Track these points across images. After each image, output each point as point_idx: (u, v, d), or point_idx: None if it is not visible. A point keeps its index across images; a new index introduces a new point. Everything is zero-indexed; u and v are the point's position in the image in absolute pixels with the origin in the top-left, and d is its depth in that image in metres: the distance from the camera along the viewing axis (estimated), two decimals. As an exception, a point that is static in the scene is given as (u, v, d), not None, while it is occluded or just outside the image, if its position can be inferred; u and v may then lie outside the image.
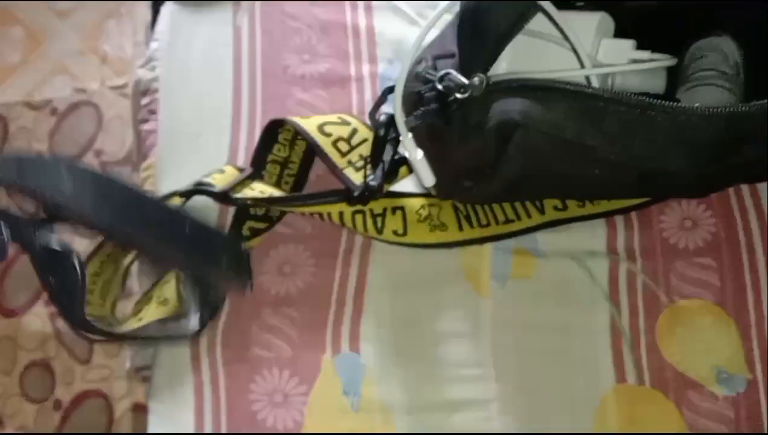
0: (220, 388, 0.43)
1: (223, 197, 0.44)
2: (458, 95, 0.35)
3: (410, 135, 0.36)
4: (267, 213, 0.47)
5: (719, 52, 0.41)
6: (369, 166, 0.43)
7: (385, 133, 0.39)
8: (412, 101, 0.38)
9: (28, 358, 1.01)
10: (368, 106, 0.50)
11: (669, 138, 0.33)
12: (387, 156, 0.40)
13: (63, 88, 1.17)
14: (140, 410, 0.92)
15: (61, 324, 1.02)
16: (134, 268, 0.49)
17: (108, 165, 1.11)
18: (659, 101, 0.32)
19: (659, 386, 0.43)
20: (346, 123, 0.45)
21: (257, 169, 0.47)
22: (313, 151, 0.48)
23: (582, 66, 0.37)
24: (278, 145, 0.48)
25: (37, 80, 1.18)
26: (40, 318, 1.02)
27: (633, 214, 0.46)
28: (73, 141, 1.13)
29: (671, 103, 0.32)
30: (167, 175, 0.49)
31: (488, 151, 0.36)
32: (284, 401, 0.42)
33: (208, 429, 0.42)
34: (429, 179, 0.37)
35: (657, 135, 0.33)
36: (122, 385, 1.03)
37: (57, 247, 0.33)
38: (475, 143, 0.36)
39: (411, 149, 0.37)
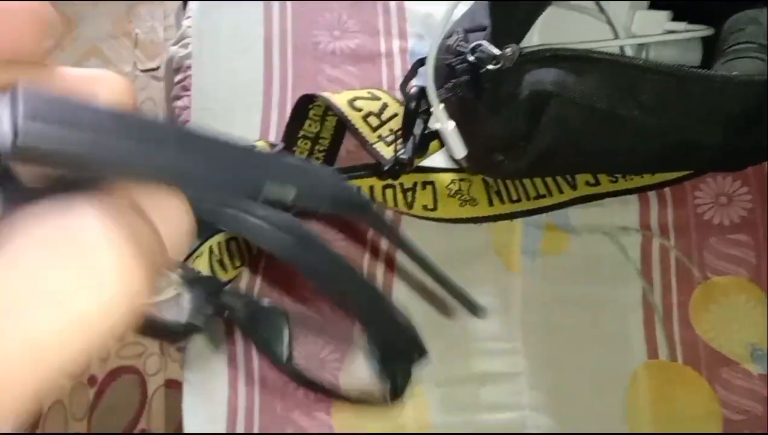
0: (253, 358, 0.44)
1: (255, 172, 0.44)
2: (490, 66, 0.35)
3: (442, 106, 0.36)
4: (298, 188, 0.47)
5: (758, 25, 0.40)
6: (399, 141, 0.43)
7: (416, 106, 0.38)
8: (443, 74, 0.38)
9: None
10: (398, 82, 0.49)
11: (705, 108, 0.32)
12: (417, 130, 0.40)
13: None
14: (173, 386, 0.94)
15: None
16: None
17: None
18: (696, 69, 0.32)
19: (692, 363, 0.42)
20: (376, 98, 0.46)
21: (288, 144, 0.48)
22: (343, 126, 0.48)
23: (616, 36, 0.37)
24: (309, 121, 0.48)
25: (70, 63, 1.20)
26: None
27: (667, 189, 0.45)
28: (106, 123, 1.16)
29: (707, 71, 0.32)
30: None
31: (520, 123, 0.36)
32: (319, 368, 0.43)
33: (241, 399, 0.43)
34: (460, 151, 0.37)
35: (693, 105, 0.32)
36: (155, 361, 1.06)
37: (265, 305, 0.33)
38: (506, 115, 0.36)
39: (442, 120, 0.36)
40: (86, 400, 1.00)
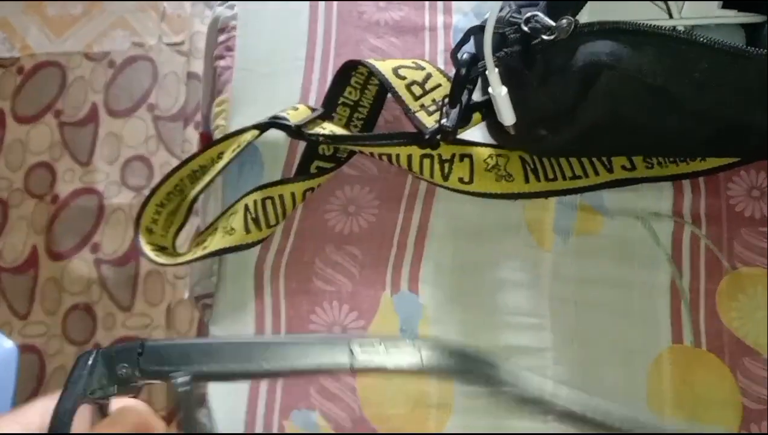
0: (281, 317, 0.44)
1: (297, 132, 0.45)
2: (544, 37, 0.35)
3: (497, 70, 0.37)
4: (335, 153, 0.48)
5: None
6: (441, 111, 0.43)
7: (466, 73, 0.39)
8: (495, 43, 0.38)
9: (72, 301, 1.04)
10: (440, 57, 0.50)
11: (757, 87, 0.33)
12: (463, 99, 0.41)
13: (122, 41, 1.19)
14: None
15: (105, 269, 1.05)
16: (200, 199, 0.51)
17: (160, 120, 1.14)
18: (753, 48, 0.32)
19: (715, 350, 0.43)
20: (420, 68, 0.46)
21: (328, 110, 0.48)
22: (383, 96, 0.49)
23: (670, 17, 0.37)
24: (350, 88, 0.49)
25: (97, 32, 1.20)
26: (86, 263, 1.05)
27: (701, 179, 0.46)
28: (128, 94, 1.16)
29: (762, 50, 0.32)
30: (239, 111, 0.50)
31: (568, 95, 0.36)
32: (343, 333, 0.43)
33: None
34: (510, 117, 0.38)
35: (746, 83, 0.33)
36: (160, 334, 1.06)
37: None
38: (555, 88, 0.37)
39: (495, 85, 0.37)
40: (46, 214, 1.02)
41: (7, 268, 1.05)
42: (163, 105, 1.14)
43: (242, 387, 0.42)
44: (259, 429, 0.42)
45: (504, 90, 0.37)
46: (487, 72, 0.37)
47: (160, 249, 0.49)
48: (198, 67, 1.17)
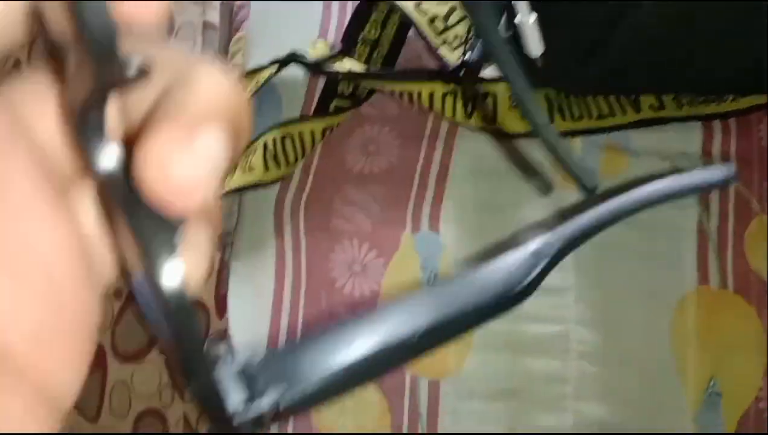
0: (301, 254, 0.44)
1: (317, 69, 0.44)
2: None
3: (525, -5, 0.36)
4: (354, 92, 0.47)
5: None
6: (465, 47, 0.42)
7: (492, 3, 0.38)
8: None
9: (143, 406, 0.89)
10: (464, -7, 0.48)
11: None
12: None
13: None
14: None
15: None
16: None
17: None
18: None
19: (741, 292, 0.42)
20: (443, 2, 0.45)
21: (347, 48, 0.47)
22: (404, 33, 0.48)
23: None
24: (369, 25, 0.48)
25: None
26: (155, 365, 0.89)
27: (731, 120, 0.44)
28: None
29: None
30: (257, 49, 0.49)
31: (599, 14, 0.35)
32: (362, 271, 0.43)
33: (287, 292, 0.44)
34: (538, 47, 0.36)
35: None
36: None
37: None
38: (585, 12, 0.35)
39: (524, 12, 0.36)
40: (110, 312, 0.99)
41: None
42: (179, 56, 1.13)
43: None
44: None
45: (533, 17, 0.36)
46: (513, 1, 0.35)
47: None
48: (214, 17, 1.15)
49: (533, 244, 0.17)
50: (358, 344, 0.15)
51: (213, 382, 0.13)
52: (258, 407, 0.14)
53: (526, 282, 0.16)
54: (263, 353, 0.14)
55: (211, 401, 0.13)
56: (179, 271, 0.12)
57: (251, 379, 0.14)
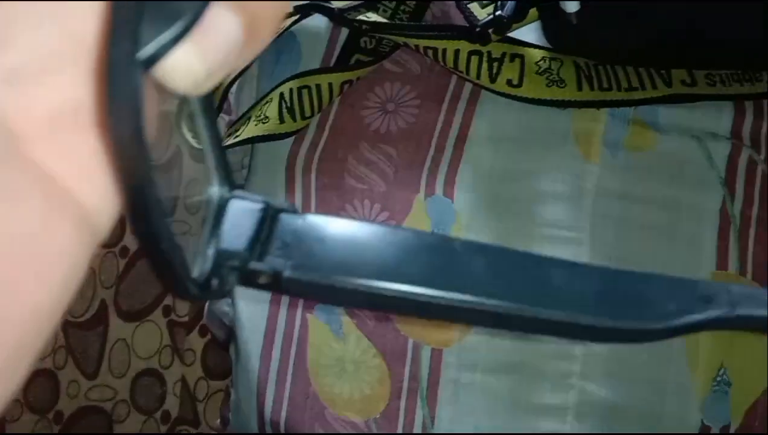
0: (311, 211, 0.43)
1: (340, 18, 0.42)
2: None
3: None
4: (377, 47, 0.45)
5: None
6: (496, 3, 0.40)
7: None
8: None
9: (141, 366, 0.89)
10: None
11: None
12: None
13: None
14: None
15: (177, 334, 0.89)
16: (233, 92, 0.49)
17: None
18: None
19: (760, 280, 0.41)
20: (476, -42, 0.43)
21: (371, 3, 0.45)
22: (432, -10, 0.46)
23: None
24: (397, -21, 0.46)
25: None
26: (157, 326, 0.90)
27: (765, 101, 0.43)
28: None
29: None
30: None
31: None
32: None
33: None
34: (574, 3, 0.35)
35: None
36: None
37: None
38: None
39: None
40: (115, 268, 0.98)
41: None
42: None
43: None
44: (281, 320, 0.41)
45: (571, -29, 0.34)
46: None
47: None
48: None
49: (706, 289, 0.14)
50: (411, 282, 0.13)
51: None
52: (259, 265, 0.13)
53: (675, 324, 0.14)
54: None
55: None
56: (169, 50, 0.10)
57: (265, 239, 0.13)
